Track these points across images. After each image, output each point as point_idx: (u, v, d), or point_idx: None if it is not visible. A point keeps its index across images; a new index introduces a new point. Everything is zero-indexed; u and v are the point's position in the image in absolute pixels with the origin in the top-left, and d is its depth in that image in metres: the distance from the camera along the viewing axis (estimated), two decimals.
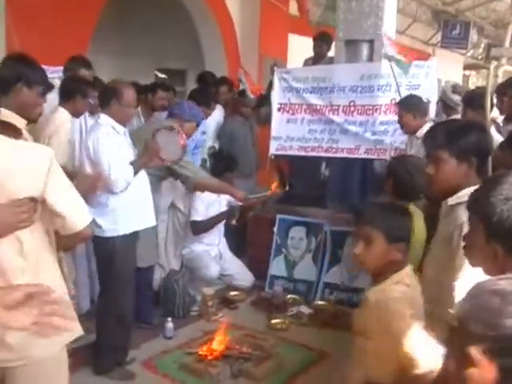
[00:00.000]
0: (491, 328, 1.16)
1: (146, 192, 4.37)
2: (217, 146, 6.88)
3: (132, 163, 4.16)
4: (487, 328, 1.17)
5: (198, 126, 5.36)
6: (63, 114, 4.53)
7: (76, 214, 2.38)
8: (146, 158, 4.29)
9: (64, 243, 2.50)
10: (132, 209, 4.19)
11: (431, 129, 2.77)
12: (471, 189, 2.42)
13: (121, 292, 4.21)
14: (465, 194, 2.45)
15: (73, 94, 4.60)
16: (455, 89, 6.23)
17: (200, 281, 5.74)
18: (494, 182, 1.69)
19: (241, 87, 7.50)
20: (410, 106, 5.18)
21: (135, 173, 4.14)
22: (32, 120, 3.84)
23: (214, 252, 5.95)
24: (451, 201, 2.55)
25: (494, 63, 5.47)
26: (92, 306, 5.08)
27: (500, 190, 1.64)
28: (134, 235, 4.29)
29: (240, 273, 6.08)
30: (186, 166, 4.90)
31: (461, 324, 1.24)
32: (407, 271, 2.46)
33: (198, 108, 5.38)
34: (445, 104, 6.67)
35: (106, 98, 4.22)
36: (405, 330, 2.25)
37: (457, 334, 1.26)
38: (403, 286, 2.40)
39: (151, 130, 4.63)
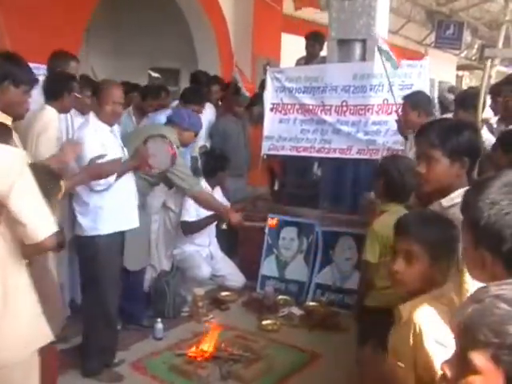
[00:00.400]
0: (496, 334, 1.12)
1: (130, 193, 4.34)
2: (208, 144, 6.84)
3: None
4: (492, 334, 1.13)
5: (196, 135, 5.37)
6: (50, 112, 4.47)
7: (38, 223, 2.29)
8: (135, 162, 4.27)
9: (24, 251, 2.40)
10: (115, 209, 4.15)
11: (423, 127, 2.72)
12: (465, 190, 2.40)
13: (105, 293, 4.16)
14: (458, 195, 2.42)
15: (59, 92, 4.55)
16: (451, 89, 6.25)
17: (191, 281, 5.71)
18: (482, 185, 1.62)
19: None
20: (417, 103, 5.09)
21: (120, 175, 4.10)
22: (18, 117, 3.82)
23: (205, 252, 5.92)
24: (445, 202, 2.50)
25: (489, 61, 5.44)
26: (72, 307, 5.02)
27: (487, 194, 1.56)
28: (118, 236, 4.25)
29: (231, 273, 6.04)
30: (181, 176, 4.87)
31: (463, 329, 1.20)
32: (450, 287, 2.14)
33: (198, 117, 5.38)
34: (441, 103, 6.70)
35: (93, 96, 4.25)
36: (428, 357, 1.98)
37: (458, 339, 1.22)
38: (442, 304, 2.06)
39: (142, 135, 4.68)
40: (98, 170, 3.92)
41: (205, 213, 5.68)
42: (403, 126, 5.22)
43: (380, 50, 5.38)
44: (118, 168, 4.06)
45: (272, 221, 5.59)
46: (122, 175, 4.13)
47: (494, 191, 1.55)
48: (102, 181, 3.99)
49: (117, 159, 4.07)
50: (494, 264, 1.52)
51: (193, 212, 5.64)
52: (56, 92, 4.53)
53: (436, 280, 2.20)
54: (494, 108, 6.29)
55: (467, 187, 2.39)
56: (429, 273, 2.22)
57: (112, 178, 4.03)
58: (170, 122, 5.16)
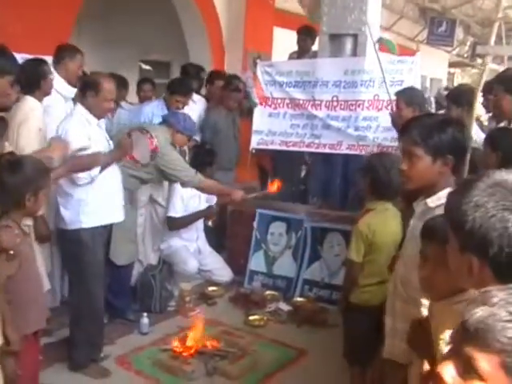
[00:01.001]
0: (510, 341, 1.07)
1: (115, 187, 4.29)
2: (198, 138, 6.76)
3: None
4: (507, 341, 1.07)
5: (189, 140, 5.37)
6: (31, 102, 4.39)
7: None
8: (118, 154, 4.22)
9: None
10: (98, 202, 4.09)
11: (407, 123, 2.68)
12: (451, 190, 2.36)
13: (89, 287, 4.11)
14: (445, 195, 2.38)
15: (36, 81, 4.46)
16: (448, 87, 6.26)
17: (178, 276, 5.68)
18: (466, 187, 1.53)
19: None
20: (412, 99, 5.06)
21: (103, 168, 4.04)
22: (4, 109, 3.77)
23: (192, 247, 5.87)
24: (431, 202, 2.45)
25: (487, 59, 5.44)
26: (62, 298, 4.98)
27: (471, 196, 1.47)
28: (102, 229, 4.20)
29: (219, 268, 6.01)
30: (179, 169, 4.85)
31: (473, 332, 1.13)
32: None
33: (193, 122, 5.34)
34: (437, 101, 6.71)
35: (85, 89, 4.15)
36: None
37: (462, 341, 1.15)
38: None
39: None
40: (79, 162, 3.87)
41: (193, 205, 5.65)
42: (397, 123, 5.20)
43: (380, 40, 5.34)
44: (99, 160, 4.00)
45: (272, 186, 5.40)
46: (106, 167, 4.08)
47: (478, 193, 1.47)
48: (85, 174, 3.94)
49: (98, 152, 4.03)
50: (481, 269, 1.45)
51: (180, 208, 5.61)
52: (33, 82, 4.45)
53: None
54: (485, 105, 6.30)
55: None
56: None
57: (95, 171, 3.98)
58: (164, 121, 5.13)
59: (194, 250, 5.87)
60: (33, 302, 3.03)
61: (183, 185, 5.09)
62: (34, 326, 3.05)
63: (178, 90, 6.00)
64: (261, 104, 6.50)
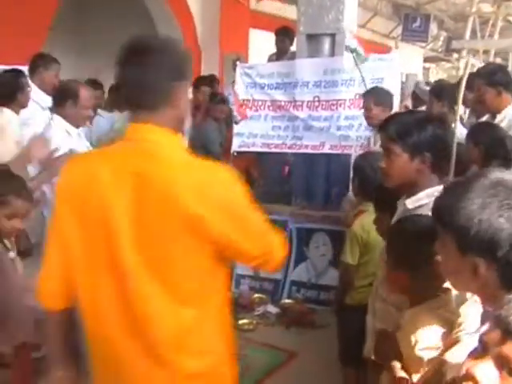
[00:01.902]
0: None
1: None
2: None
3: None
4: None
5: None
6: (6, 114, 4.33)
7: None
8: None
9: None
10: None
11: (385, 120, 2.68)
12: (431, 190, 2.34)
13: None
14: (426, 195, 2.37)
15: (13, 93, 4.40)
16: (428, 82, 6.29)
17: None
18: (460, 189, 1.50)
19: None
20: (380, 98, 5.11)
21: None
22: None
23: None
24: (410, 204, 2.44)
25: (464, 53, 5.50)
26: None
27: (472, 199, 1.43)
28: None
29: None
30: None
31: None
32: (450, 297, 2.06)
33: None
34: (416, 96, 6.71)
35: (62, 98, 4.05)
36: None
37: (501, 343, 1.14)
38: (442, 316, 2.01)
39: None
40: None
41: None
42: (368, 123, 5.25)
43: (348, 48, 5.35)
44: None
45: None
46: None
47: (479, 194, 1.44)
48: None
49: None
50: (488, 270, 1.43)
51: None
52: (9, 94, 4.38)
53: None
54: (464, 100, 6.33)
55: (435, 187, 2.34)
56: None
57: None
58: None
59: None
60: (14, 315, 2.97)
61: None
62: (18, 338, 2.99)
63: None
64: (242, 119, 6.45)
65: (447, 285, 1.95)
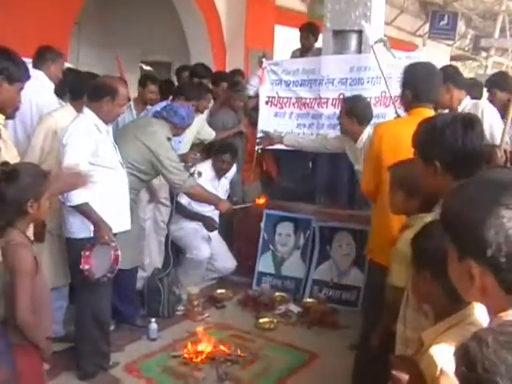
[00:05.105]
0: None
1: (122, 194, 4.18)
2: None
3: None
4: None
5: (189, 126, 5.28)
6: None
7: None
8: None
9: None
10: (105, 209, 3.91)
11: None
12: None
13: (95, 294, 4.00)
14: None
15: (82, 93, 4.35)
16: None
17: (189, 265, 5.71)
18: (457, 190, 1.44)
19: (249, 91, 7.14)
20: (353, 111, 5.02)
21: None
22: (7, 117, 3.68)
23: (202, 231, 5.81)
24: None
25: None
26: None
27: (464, 196, 1.39)
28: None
29: (223, 256, 6.06)
30: (173, 171, 4.74)
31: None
32: (473, 309, 1.88)
33: (191, 112, 5.23)
34: None
35: (99, 94, 3.97)
36: None
37: None
38: (467, 330, 1.78)
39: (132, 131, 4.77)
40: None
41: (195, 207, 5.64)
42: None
43: (381, 40, 5.23)
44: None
45: (259, 200, 5.43)
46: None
47: (471, 193, 1.40)
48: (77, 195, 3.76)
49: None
50: (482, 275, 1.33)
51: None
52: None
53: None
54: (490, 100, 6.24)
55: None
56: None
57: (86, 194, 3.75)
58: (164, 118, 5.00)
59: (203, 235, 5.81)
60: (46, 307, 2.98)
61: (173, 189, 5.02)
62: (45, 332, 2.99)
63: (194, 95, 5.84)
64: (266, 103, 6.39)
65: None
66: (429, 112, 3.42)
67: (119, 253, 3.88)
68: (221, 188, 5.95)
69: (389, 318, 3.10)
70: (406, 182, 2.93)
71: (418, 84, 3.58)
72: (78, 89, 4.43)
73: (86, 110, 3.97)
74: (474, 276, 1.35)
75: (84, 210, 3.81)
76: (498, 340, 1.12)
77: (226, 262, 6.05)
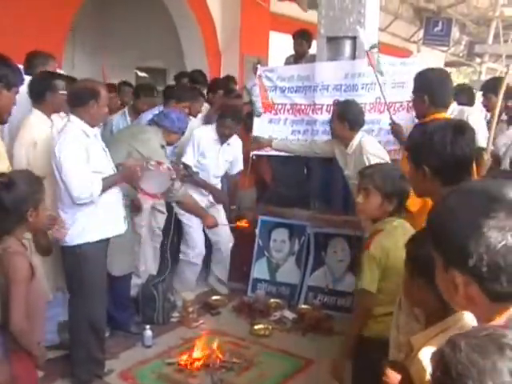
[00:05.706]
0: None
1: (115, 198, 4.17)
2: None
3: (105, 178, 3.95)
4: None
5: (182, 134, 5.29)
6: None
7: None
8: (120, 180, 4.15)
9: None
10: (100, 215, 3.96)
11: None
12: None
13: (91, 301, 4.01)
14: None
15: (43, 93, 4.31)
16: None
17: (182, 268, 5.82)
18: (444, 201, 1.43)
19: (247, 98, 7.12)
20: (345, 115, 5.04)
21: (105, 189, 3.92)
22: (1, 122, 3.68)
23: (204, 203, 5.73)
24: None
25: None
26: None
27: (447, 205, 1.39)
28: (103, 242, 4.08)
29: (225, 236, 6.04)
30: None
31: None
32: (463, 314, 1.86)
33: (184, 118, 5.28)
34: None
35: (83, 98, 3.95)
36: None
37: None
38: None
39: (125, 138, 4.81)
40: None
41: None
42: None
43: (374, 45, 5.23)
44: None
45: (241, 223, 5.46)
46: (107, 189, 3.96)
47: (453, 201, 1.41)
48: (87, 194, 3.84)
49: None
50: (467, 284, 1.33)
51: (191, 158, 5.70)
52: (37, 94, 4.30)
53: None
54: (485, 105, 6.28)
55: None
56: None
57: (96, 193, 3.86)
58: (156, 123, 5.02)
59: (205, 206, 5.73)
60: (39, 313, 2.97)
61: (167, 196, 4.99)
62: (37, 338, 2.98)
63: (186, 96, 5.91)
64: (264, 112, 6.38)
65: None
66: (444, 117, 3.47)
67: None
68: (221, 155, 5.88)
69: (358, 322, 3.12)
70: (383, 185, 3.01)
71: (434, 89, 3.61)
72: (36, 90, 4.30)
73: (72, 117, 3.93)
74: (458, 284, 1.35)
75: (105, 188, 3.94)
76: (470, 344, 1.13)
77: (226, 241, 6.05)
